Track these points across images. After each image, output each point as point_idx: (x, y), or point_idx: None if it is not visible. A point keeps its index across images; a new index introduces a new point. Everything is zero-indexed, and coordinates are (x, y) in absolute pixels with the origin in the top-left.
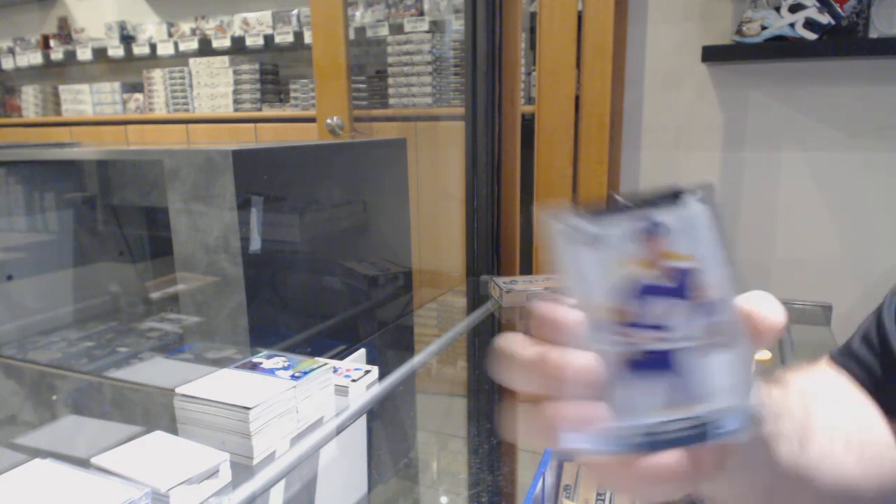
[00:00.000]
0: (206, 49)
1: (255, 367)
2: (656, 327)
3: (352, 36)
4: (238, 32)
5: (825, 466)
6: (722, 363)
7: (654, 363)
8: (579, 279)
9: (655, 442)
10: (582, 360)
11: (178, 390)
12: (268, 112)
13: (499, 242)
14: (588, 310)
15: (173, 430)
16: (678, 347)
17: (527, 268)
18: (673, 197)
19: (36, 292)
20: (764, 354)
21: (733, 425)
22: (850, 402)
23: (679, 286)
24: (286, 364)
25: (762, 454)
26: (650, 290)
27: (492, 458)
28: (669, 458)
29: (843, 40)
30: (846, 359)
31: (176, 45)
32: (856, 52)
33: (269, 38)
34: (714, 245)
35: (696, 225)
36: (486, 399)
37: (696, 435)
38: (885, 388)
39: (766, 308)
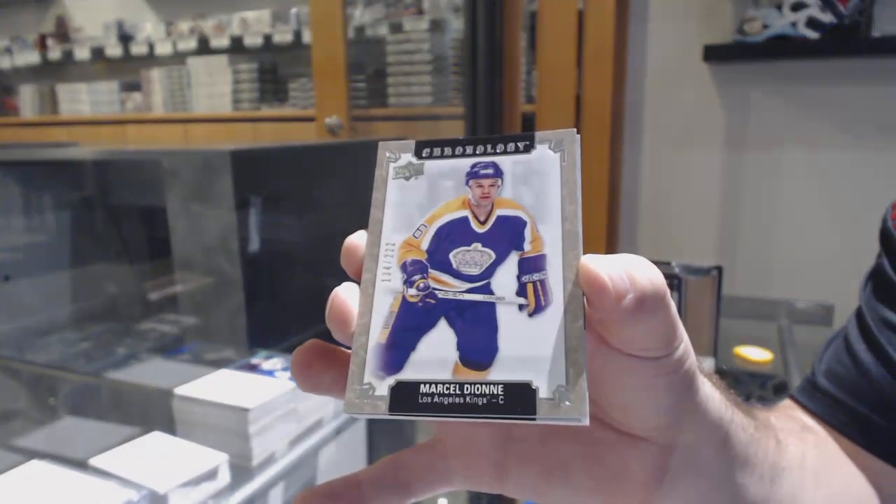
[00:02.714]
0: (204, 48)
1: (253, 367)
2: (458, 275)
3: (351, 35)
4: (237, 31)
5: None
6: (530, 329)
7: (447, 313)
8: (390, 212)
9: (435, 404)
10: (343, 293)
11: (176, 391)
12: (267, 111)
13: None
14: (389, 244)
15: (172, 430)
16: (477, 300)
17: None
18: (526, 143)
19: (34, 293)
20: (765, 355)
21: (523, 405)
22: (816, 440)
23: (496, 235)
24: (285, 365)
25: (727, 494)
26: (462, 234)
27: None
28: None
29: (846, 39)
30: (810, 398)
31: (174, 44)
32: (858, 52)
33: (267, 38)
34: (555, 198)
35: (540, 173)
36: None
37: (479, 405)
38: (867, 424)
39: (615, 273)
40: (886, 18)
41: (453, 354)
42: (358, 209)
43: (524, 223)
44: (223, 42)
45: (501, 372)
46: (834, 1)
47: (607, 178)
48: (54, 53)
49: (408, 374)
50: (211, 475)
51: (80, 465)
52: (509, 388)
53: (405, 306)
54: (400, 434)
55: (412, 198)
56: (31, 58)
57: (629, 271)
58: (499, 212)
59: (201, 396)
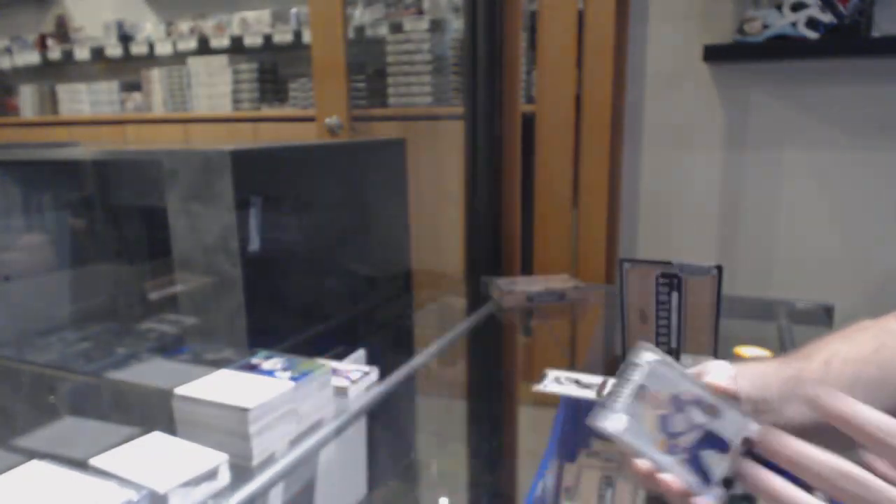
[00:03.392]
0: (204, 48)
1: (253, 367)
2: (689, 432)
3: (351, 35)
4: (237, 31)
5: None
6: (724, 420)
7: (702, 447)
8: (639, 446)
9: (733, 474)
10: (671, 481)
11: (176, 391)
12: (267, 111)
13: (499, 243)
14: (655, 455)
15: (172, 431)
16: (703, 433)
17: (528, 268)
18: (633, 363)
19: (33, 293)
20: (765, 355)
21: (752, 434)
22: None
23: (680, 406)
24: (285, 365)
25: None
26: (670, 419)
27: (492, 460)
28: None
29: (846, 39)
30: None
31: (174, 44)
32: (858, 52)
33: (267, 38)
34: (677, 375)
35: (660, 371)
36: (486, 400)
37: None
38: None
39: (714, 377)
40: (886, 18)
41: (720, 460)
42: (357, 209)
43: (681, 395)
44: (223, 42)
45: (735, 439)
46: (834, 1)
47: (607, 178)
48: (54, 53)
49: (718, 475)
50: (211, 475)
51: (80, 465)
52: (744, 442)
53: (686, 465)
54: (400, 434)
55: (634, 427)
56: (31, 58)
57: (730, 374)
58: (667, 401)
59: (201, 396)
